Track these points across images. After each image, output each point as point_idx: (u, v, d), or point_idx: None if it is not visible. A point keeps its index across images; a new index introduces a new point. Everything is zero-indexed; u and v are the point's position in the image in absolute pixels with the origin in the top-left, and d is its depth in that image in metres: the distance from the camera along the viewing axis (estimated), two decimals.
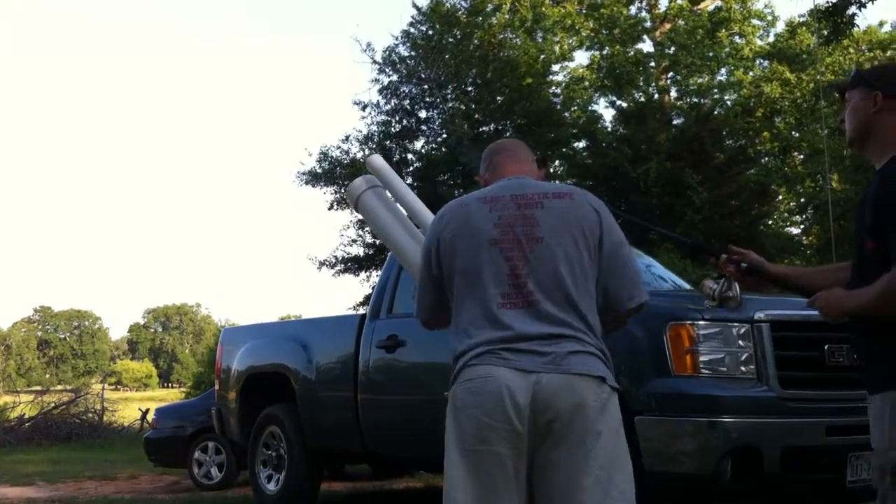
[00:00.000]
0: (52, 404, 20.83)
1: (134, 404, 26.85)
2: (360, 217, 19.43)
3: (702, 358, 4.50)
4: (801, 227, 22.36)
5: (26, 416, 20.23)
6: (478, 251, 2.59)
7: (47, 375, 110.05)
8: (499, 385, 2.45)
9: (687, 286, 6.76)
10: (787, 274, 2.98)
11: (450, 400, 2.58)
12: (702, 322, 4.45)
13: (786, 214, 21.98)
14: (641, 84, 21.04)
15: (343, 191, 18.93)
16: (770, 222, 18.85)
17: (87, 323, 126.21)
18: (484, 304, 2.56)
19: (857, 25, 12.30)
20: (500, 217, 2.60)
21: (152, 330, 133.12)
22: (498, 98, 18.41)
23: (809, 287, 2.85)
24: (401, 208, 3.76)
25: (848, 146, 2.89)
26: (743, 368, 4.53)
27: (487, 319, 2.54)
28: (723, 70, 22.45)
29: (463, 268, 2.61)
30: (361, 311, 11.12)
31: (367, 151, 17.91)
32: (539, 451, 2.46)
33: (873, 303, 2.57)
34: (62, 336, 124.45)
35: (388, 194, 3.76)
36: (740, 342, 4.55)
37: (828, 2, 11.74)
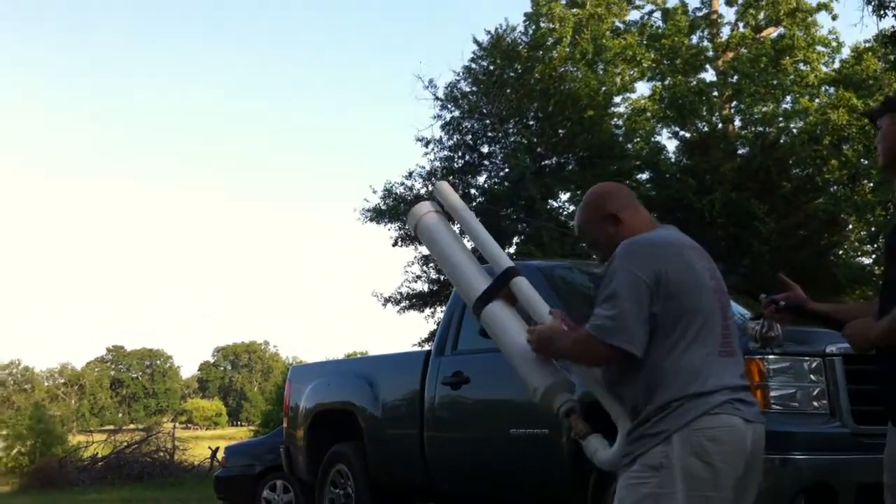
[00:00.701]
0: (125, 443, 21.20)
1: (204, 443, 27.15)
2: (425, 251, 19.56)
3: (772, 393, 4.42)
4: (873, 256, 21.87)
5: (99, 456, 20.61)
6: (707, 297, 2.67)
7: (120, 415, 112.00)
8: (740, 437, 2.59)
9: (744, 312, 6.66)
10: (826, 311, 2.96)
11: (682, 444, 2.55)
12: (772, 357, 4.37)
13: (856, 244, 21.53)
14: (705, 114, 20.88)
15: (406, 227, 19.06)
16: (840, 252, 18.47)
17: (158, 362, 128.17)
18: (712, 349, 2.63)
19: None
20: (706, 268, 2.73)
21: (222, 368, 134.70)
22: (560, 131, 18.41)
23: (847, 321, 2.82)
24: (462, 239, 3.52)
25: (882, 171, 2.91)
26: (815, 403, 4.44)
27: (717, 365, 2.62)
28: (788, 98, 22.19)
29: (692, 310, 2.63)
30: (426, 347, 11.14)
31: (430, 188, 18.01)
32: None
33: (890, 331, 2.53)
34: (134, 375, 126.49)
35: (451, 222, 3.51)
36: (812, 377, 4.46)
37: (893, 26, 11.57)
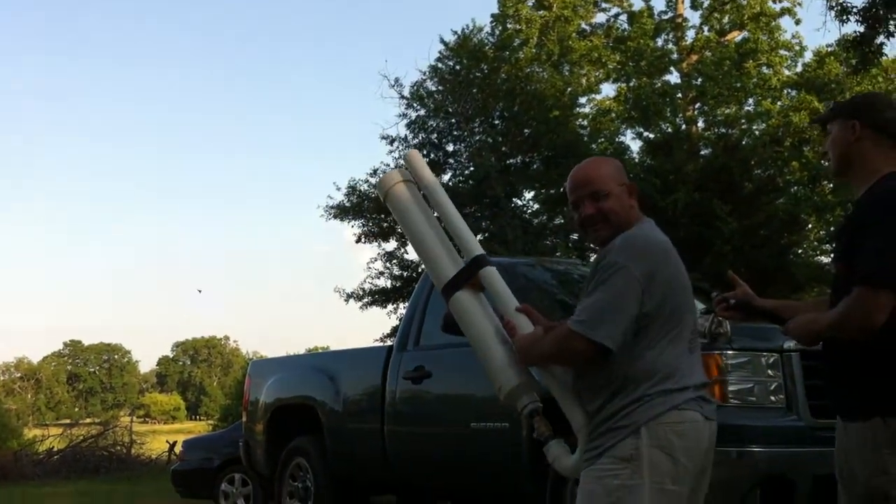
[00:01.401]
0: (81, 437, 20.94)
1: (162, 437, 26.93)
2: (389, 248, 19.54)
3: (730, 388, 4.46)
4: (831, 255, 22.16)
5: (55, 450, 20.36)
6: (686, 298, 2.72)
7: (76, 409, 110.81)
8: (701, 433, 2.64)
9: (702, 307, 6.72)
10: (773, 307, 3.01)
11: (649, 436, 2.57)
12: (731, 352, 4.42)
13: (815, 243, 21.78)
14: (668, 115, 21.00)
15: (370, 224, 19.01)
16: (800, 251, 18.68)
17: (116, 356, 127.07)
18: (684, 347, 2.67)
19: (886, 54, 12.27)
20: (685, 271, 2.76)
21: (181, 363, 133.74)
22: (525, 131, 18.44)
23: (791, 318, 2.87)
24: (433, 215, 3.30)
25: (833, 177, 2.97)
26: (772, 398, 4.50)
27: (687, 362, 2.67)
28: (750, 100, 22.39)
29: (676, 310, 2.66)
30: (388, 342, 11.12)
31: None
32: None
33: (833, 326, 2.60)
34: (92, 370, 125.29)
35: (422, 194, 3.29)
36: (769, 371, 4.52)
37: (856, 31, 11.73)
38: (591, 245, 16.89)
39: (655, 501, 2.54)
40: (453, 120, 18.39)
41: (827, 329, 2.63)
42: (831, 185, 20.37)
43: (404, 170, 3.36)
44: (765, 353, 4.50)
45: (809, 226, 20.23)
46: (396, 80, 18.87)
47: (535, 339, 2.78)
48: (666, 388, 2.59)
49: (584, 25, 25.06)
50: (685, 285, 2.72)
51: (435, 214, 3.28)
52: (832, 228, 21.11)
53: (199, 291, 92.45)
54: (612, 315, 2.58)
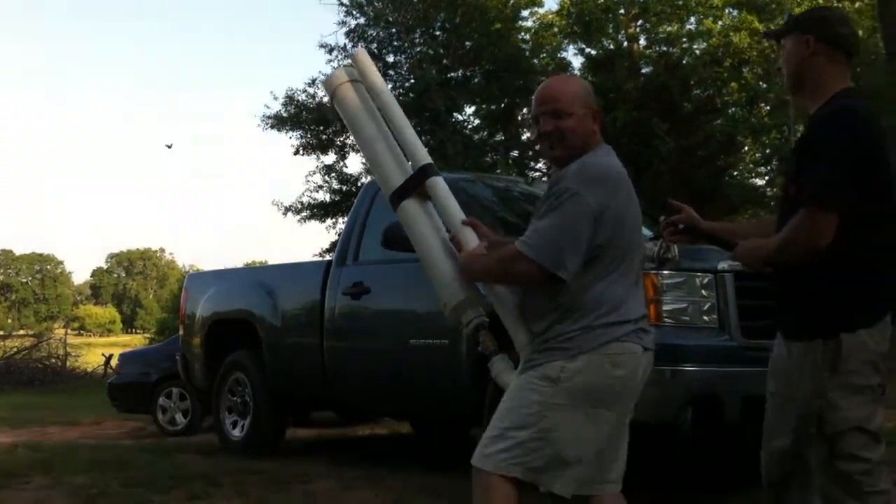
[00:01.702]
0: (15, 349, 20.73)
1: (97, 350, 26.76)
2: (327, 161, 19.33)
3: (665, 307, 4.53)
4: (766, 178, 22.47)
5: None
6: (636, 231, 2.72)
7: (9, 320, 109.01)
8: (637, 364, 2.67)
9: (650, 234, 6.81)
10: (717, 229, 3.01)
11: (588, 363, 2.60)
12: (666, 272, 4.46)
13: (751, 165, 22.04)
14: (611, 32, 20.89)
15: (308, 136, 18.76)
16: (735, 173, 18.93)
17: (49, 267, 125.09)
18: (628, 280, 2.68)
19: None
20: (634, 198, 2.73)
21: (115, 275, 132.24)
22: (467, 43, 18.24)
23: (736, 241, 2.89)
24: (379, 117, 3.22)
25: (787, 92, 2.94)
26: (706, 318, 4.58)
27: (631, 296, 2.68)
28: (692, 19, 22.33)
29: (627, 244, 2.66)
30: (328, 257, 11.08)
31: (350, 61, 17.73)
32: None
33: (782, 247, 2.62)
34: (24, 280, 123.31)
35: (368, 94, 3.22)
36: (703, 292, 4.58)
37: None
38: (540, 163, 16.87)
39: (584, 422, 2.60)
40: (394, 30, 18.11)
41: (775, 252, 2.64)
42: (768, 108, 20.55)
43: (351, 69, 3.27)
44: (699, 274, 4.55)
45: (746, 148, 20.44)
46: None
47: (479, 256, 2.79)
48: (610, 321, 2.61)
49: None
50: (636, 217, 2.72)
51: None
52: (768, 151, 21.39)
53: (169, 147, 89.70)
54: (562, 242, 2.57)
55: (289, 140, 19.08)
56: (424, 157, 3.05)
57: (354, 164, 27.17)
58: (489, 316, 2.90)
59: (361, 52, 3.35)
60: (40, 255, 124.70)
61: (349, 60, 3.39)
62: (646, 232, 6.46)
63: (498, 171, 15.05)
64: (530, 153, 17.11)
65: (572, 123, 2.73)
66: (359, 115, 3.14)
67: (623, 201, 2.65)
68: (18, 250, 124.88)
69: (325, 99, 17.80)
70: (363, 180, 17.35)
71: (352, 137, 18.32)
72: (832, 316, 2.59)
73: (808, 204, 2.54)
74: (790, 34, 2.80)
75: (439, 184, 2.99)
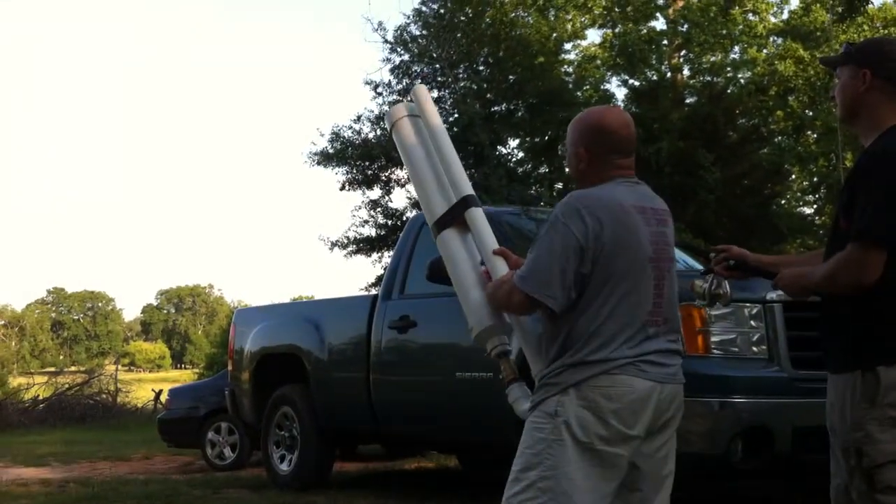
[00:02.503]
0: (66, 385, 20.97)
1: (147, 385, 27.00)
2: (373, 196, 19.46)
3: (713, 338, 4.50)
4: (815, 206, 22.22)
5: (40, 398, 20.38)
6: (641, 266, 2.66)
7: (61, 357, 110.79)
8: (639, 397, 2.60)
9: (699, 266, 6.75)
10: (768, 263, 2.97)
11: (577, 397, 2.58)
12: None
13: (798, 194, 21.83)
14: (654, 62, 20.86)
15: (354, 171, 18.90)
16: (783, 202, 18.72)
17: (100, 304, 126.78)
18: (636, 317, 2.64)
19: (872, 2, 12.22)
20: (651, 233, 2.70)
21: (165, 311, 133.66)
22: (510, 77, 18.28)
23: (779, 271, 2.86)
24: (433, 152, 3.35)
25: (840, 123, 2.90)
26: (755, 349, 4.54)
27: (639, 333, 2.63)
28: (736, 48, 22.24)
29: (622, 278, 2.63)
30: (374, 291, 11.13)
31: (378, 132, 17.83)
32: (643, 446, 2.66)
33: (826, 280, 2.58)
34: (76, 317, 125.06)
35: (423, 131, 3.38)
36: (752, 322, 4.55)
37: None
38: None
39: (584, 459, 2.56)
40: (437, 65, 18.21)
41: (818, 283, 2.60)
42: (815, 136, 20.37)
43: (411, 103, 3.47)
44: (748, 304, 4.53)
45: (793, 176, 20.26)
46: (380, 23, 18.63)
47: (501, 284, 2.84)
48: (600, 357, 2.59)
49: None
50: (642, 251, 2.66)
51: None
52: (815, 179, 21.16)
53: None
54: (547, 272, 2.61)
55: (335, 175, 19.20)
56: (467, 188, 3.15)
57: (399, 198, 27.25)
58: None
59: (420, 88, 3.54)
60: (91, 292, 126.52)
61: (410, 96, 3.56)
62: (695, 266, 6.44)
63: (542, 203, 15.03)
64: (573, 185, 17.08)
65: (568, 162, 2.91)
66: (412, 146, 3.31)
67: (615, 230, 2.62)
68: (70, 288, 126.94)
69: (371, 135, 18.00)
70: (408, 214, 17.42)
71: (398, 172, 18.49)
72: (870, 348, 2.55)
73: (856, 240, 2.49)
74: (847, 65, 2.75)
75: (478, 214, 3.09)
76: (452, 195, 3.16)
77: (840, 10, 12.57)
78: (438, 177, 3.23)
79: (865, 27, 19.52)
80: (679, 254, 6.96)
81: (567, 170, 3.02)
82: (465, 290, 2.99)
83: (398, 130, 3.36)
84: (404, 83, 18.63)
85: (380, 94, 18.69)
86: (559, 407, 2.59)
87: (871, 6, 13.84)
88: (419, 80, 18.53)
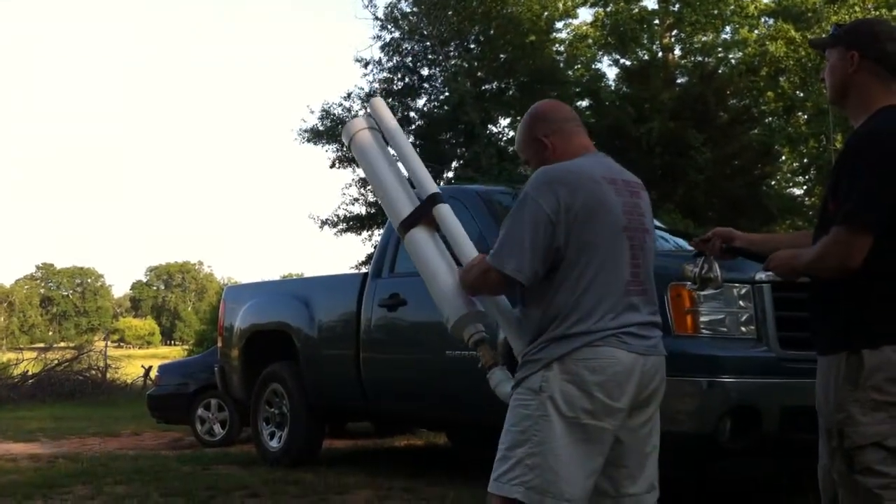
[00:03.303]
0: (56, 361, 20.95)
1: (137, 361, 27.00)
2: (363, 174, 19.43)
3: (702, 318, 4.52)
4: (805, 187, 22.29)
5: (30, 373, 20.37)
6: (615, 235, 2.66)
7: (50, 333, 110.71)
8: (623, 369, 2.61)
9: (689, 247, 6.77)
10: (754, 241, 2.98)
11: (561, 371, 2.59)
12: None
13: (789, 175, 21.86)
14: (645, 42, 20.85)
15: (344, 149, 18.85)
16: (773, 183, 18.75)
17: (89, 280, 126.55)
18: (615, 286, 2.64)
19: None
20: (623, 203, 2.70)
21: (155, 288, 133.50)
22: (501, 56, 18.25)
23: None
24: (394, 160, 3.46)
25: (830, 104, 2.88)
26: (743, 329, 4.56)
27: (619, 303, 2.64)
28: (727, 28, 22.22)
29: (597, 248, 2.63)
30: (364, 270, 11.14)
31: (368, 109, 17.80)
32: (627, 420, 2.66)
33: (813, 263, 2.59)
34: (65, 293, 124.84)
35: (384, 139, 3.47)
36: (741, 303, 4.57)
37: None
38: None
39: (570, 433, 2.57)
40: (428, 43, 18.15)
41: (807, 266, 2.61)
42: (805, 117, 20.39)
43: (368, 117, 3.52)
44: (736, 284, 4.54)
45: (783, 157, 20.29)
46: (370, 0, 18.56)
47: (468, 269, 2.87)
48: (580, 330, 2.59)
49: None
50: (615, 220, 2.67)
51: (396, 158, 3.43)
52: (805, 160, 21.20)
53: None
54: (518, 248, 2.62)
55: (325, 153, 19.17)
56: (433, 187, 3.18)
57: None
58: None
59: (377, 100, 3.60)
60: (81, 268, 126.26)
61: (367, 109, 3.65)
62: (680, 243, 6.46)
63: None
64: None
65: (533, 165, 2.86)
66: (372, 155, 3.36)
67: (588, 200, 2.63)
68: (59, 264, 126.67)
69: (361, 112, 17.92)
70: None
71: (389, 150, 18.35)
72: (855, 330, 2.56)
73: (842, 223, 2.50)
74: (835, 47, 2.74)
75: (446, 210, 3.12)
76: (416, 198, 3.20)
77: None
78: (402, 181, 3.28)
79: (857, 8, 19.51)
80: (670, 235, 6.98)
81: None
82: (438, 282, 2.99)
83: (356, 143, 3.40)
84: (394, 60, 18.58)
85: (370, 71, 18.67)
86: (543, 382, 2.59)
87: None
88: (409, 58, 18.48)
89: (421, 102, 18.72)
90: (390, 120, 3.46)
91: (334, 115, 18.79)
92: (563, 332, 2.60)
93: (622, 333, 2.61)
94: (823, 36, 3.06)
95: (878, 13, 19.65)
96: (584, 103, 18.29)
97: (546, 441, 2.57)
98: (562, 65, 19.65)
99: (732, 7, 22.10)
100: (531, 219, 2.61)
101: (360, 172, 19.21)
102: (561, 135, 2.83)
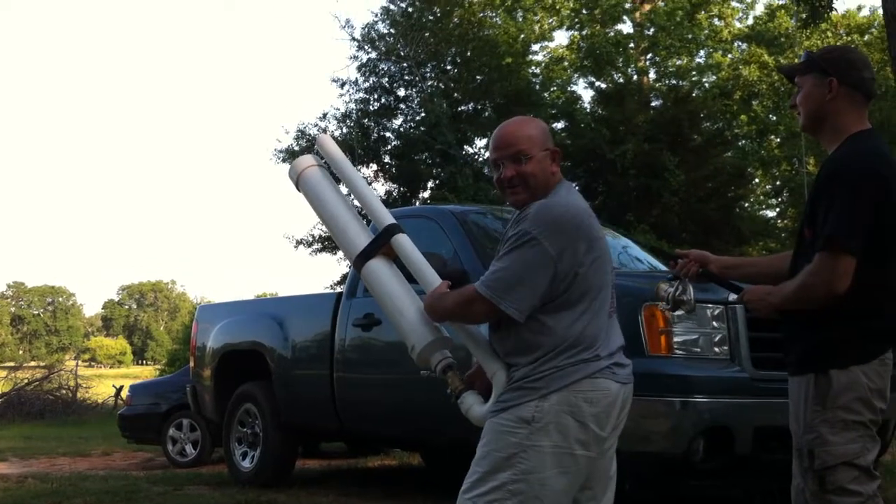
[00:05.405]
0: (26, 380, 20.73)
1: (108, 381, 26.75)
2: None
3: (676, 339, 4.53)
4: (777, 209, 22.52)
5: None
6: (603, 266, 2.67)
7: (20, 352, 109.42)
8: (613, 400, 2.62)
9: (663, 267, 6.80)
10: (730, 265, 3.00)
11: (560, 402, 2.56)
12: None
13: (762, 197, 22.09)
14: (621, 65, 21.03)
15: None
16: (746, 205, 18.93)
17: (60, 299, 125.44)
18: (601, 315, 2.65)
19: (836, 9, 12.35)
20: (603, 236, 2.71)
21: (126, 307, 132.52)
22: (477, 77, 18.33)
23: (750, 280, 2.89)
24: (344, 194, 3.37)
25: (802, 130, 2.89)
26: (716, 349, 4.57)
27: (607, 330, 2.66)
28: (701, 52, 22.49)
29: (597, 285, 2.64)
30: (338, 289, 11.11)
31: (344, 129, 17.81)
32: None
33: (797, 293, 2.60)
34: (36, 312, 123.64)
35: (334, 177, 3.38)
36: (714, 323, 4.58)
37: None
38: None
39: (562, 464, 2.56)
40: (405, 64, 18.20)
41: (788, 299, 2.61)
42: (778, 140, 20.60)
43: (315, 155, 3.43)
44: (710, 305, 4.56)
45: (756, 180, 20.49)
46: (347, 21, 18.64)
47: (440, 296, 2.79)
48: (581, 359, 2.58)
49: None
50: (602, 254, 2.67)
51: (347, 193, 3.37)
52: (778, 182, 21.40)
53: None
54: (517, 285, 2.58)
55: None
56: (388, 218, 3.09)
57: None
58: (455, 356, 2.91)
59: (324, 137, 3.54)
60: (52, 287, 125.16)
61: (315, 148, 3.53)
62: (660, 267, 6.49)
63: (507, 203, 15.07)
64: None
65: (533, 167, 2.72)
66: (322, 190, 3.26)
67: (585, 241, 2.62)
68: (30, 282, 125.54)
69: (337, 133, 17.93)
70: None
71: (364, 170, 18.44)
72: (824, 351, 2.59)
73: (824, 248, 2.51)
74: (808, 73, 2.76)
75: (404, 240, 3.03)
76: (370, 231, 3.14)
77: (804, 16, 12.69)
78: (354, 214, 3.21)
79: (829, 33, 19.80)
80: (644, 255, 7.02)
81: (533, 183, 2.92)
82: (400, 311, 2.93)
83: (305, 180, 3.29)
84: (371, 81, 18.62)
85: (346, 91, 18.69)
86: (537, 413, 2.56)
87: (834, 13, 14.01)
88: (386, 79, 18.53)
89: (397, 123, 18.76)
90: (337, 153, 3.36)
91: (309, 135, 18.79)
92: (564, 363, 2.58)
93: (613, 364, 2.63)
94: (795, 62, 3.07)
95: (849, 38, 19.92)
96: (560, 125, 18.41)
97: (533, 471, 2.55)
98: (538, 87, 19.76)
99: (706, 32, 22.37)
100: (534, 260, 2.57)
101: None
102: (557, 166, 2.80)
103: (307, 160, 3.35)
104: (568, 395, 2.56)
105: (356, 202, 3.34)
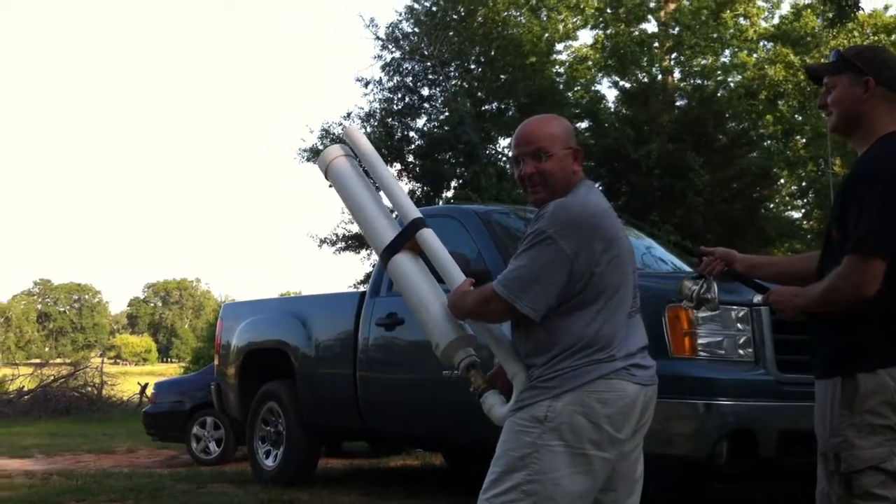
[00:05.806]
0: (52, 377, 20.88)
1: (133, 378, 26.93)
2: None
3: (700, 340, 4.51)
4: (803, 210, 22.34)
5: (25, 389, 20.31)
6: (622, 266, 2.66)
7: (46, 349, 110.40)
8: (630, 402, 2.61)
9: (687, 268, 6.77)
10: (756, 264, 2.97)
11: (572, 402, 2.56)
12: None
13: (787, 198, 21.92)
14: (645, 65, 20.93)
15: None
16: (771, 206, 18.80)
17: (86, 296, 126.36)
18: (623, 314, 2.65)
19: (862, 8, 12.27)
20: (624, 236, 2.71)
21: (152, 304, 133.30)
22: (501, 76, 18.31)
23: (776, 280, 2.85)
24: (372, 186, 3.35)
25: (831, 131, 2.84)
26: (741, 351, 4.55)
27: (626, 330, 2.65)
28: (727, 52, 22.34)
29: (615, 283, 2.63)
30: (362, 288, 11.13)
31: (368, 129, 17.82)
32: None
33: (824, 296, 2.57)
34: (62, 309, 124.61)
35: (361, 167, 3.37)
36: (739, 325, 4.55)
37: None
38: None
39: (575, 464, 2.56)
40: (429, 63, 18.21)
41: (815, 301, 2.58)
42: (804, 140, 20.44)
43: (344, 145, 3.42)
44: (734, 307, 4.53)
45: (781, 180, 20.34)
46: (372, 20, 18.65)
47: (463, 294, 2.80)
48: (595, 359, 2.57)
49: None
50: (621, 253, 2.66)
51: (375, 184, 3.33)
52: (804, 183, 21.24)
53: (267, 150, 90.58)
54: (533, 284, 2.57)
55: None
56: (414, 212, 3.09)
57: None
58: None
59: (351, 128, 3.55)
60: (78, 284, 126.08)
61: (343, 137, 3.52)
62: (684, 268, 6.46)
63: (528, 202, 15.03)
64: None
65: (553, 165, 2.70)
66: (350, 182, 3.27)
67: (603, 240, 2.60)
68: (57, 280, 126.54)
69: (361, 132, 17.93)
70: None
71: (389, 169, 18.35)
72: (851, 354, 2.55)
73: (854, 251, 2.47)
74: (843, 73, 2.70)
75: (429, 234, 3.03)
76: (397, 224, 3.14)
77: (830, 15, 12.60)
78: (382, 207, 3.20)
79: (856, 33, 19.64)
80: (668, 256, 6.98)
81: (553, 182, 2.91)
82: (425, 307, 2.93)
83: (333, 170, 3.31)
84: (395, 80, 18.63)
85: (371, 91, 18.72)
86: (549, 412, 2.56)
87: (861, 12, 13.89)
88: (410, 78, 18.54)
89: (421, 122, 18.76)
90: (366, 145, 3.37)
91: (334, 134, 18.83)
92: (578, 363, 2.57)
93: (631, 366, 2.61)
94: (823, 62, 3.01)
95: (875, 38, 19.75)
96: (584, 125, 18.35)
97: (546, 471, 2.55)
98: (561, 86, 19.72)
99: (732, 31, 22.23)
100: (551, 259, 2.56)
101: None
102: (580, 164, 2.78)
103: (336, 150, 3.36)
104: (581, 395, 2.56)
105: (382, 194, 3.31)
